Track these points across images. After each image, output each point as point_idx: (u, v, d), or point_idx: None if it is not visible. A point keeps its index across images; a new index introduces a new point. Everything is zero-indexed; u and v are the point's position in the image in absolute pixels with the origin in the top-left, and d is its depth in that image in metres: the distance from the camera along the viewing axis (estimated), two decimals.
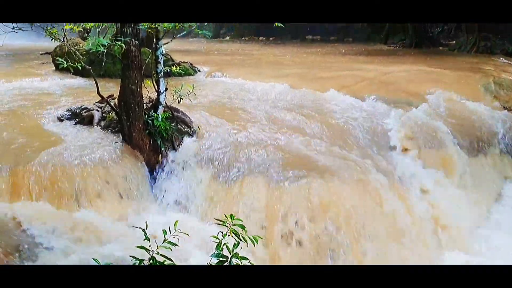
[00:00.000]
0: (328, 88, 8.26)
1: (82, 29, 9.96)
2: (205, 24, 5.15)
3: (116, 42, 4.54)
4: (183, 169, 5.24)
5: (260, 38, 31.33)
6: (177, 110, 5.83)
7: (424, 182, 5.76)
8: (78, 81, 9.20)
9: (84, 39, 11.33)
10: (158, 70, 5.32)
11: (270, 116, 6.56)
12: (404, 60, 15.26)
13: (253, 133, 5.82)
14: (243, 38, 32.11)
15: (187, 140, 5.60)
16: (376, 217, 4.92)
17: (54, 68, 10.92)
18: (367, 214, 4.87)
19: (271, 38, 30.29)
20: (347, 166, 5.27)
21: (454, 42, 20.09)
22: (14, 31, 4.02)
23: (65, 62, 4.07)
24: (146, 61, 5.64)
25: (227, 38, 32.73)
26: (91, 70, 5.00)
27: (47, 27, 4.24)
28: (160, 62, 5.31)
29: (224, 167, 5.17)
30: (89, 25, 5.73)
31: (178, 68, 8.10)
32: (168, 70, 7.54)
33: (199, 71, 11.56)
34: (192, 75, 11.15)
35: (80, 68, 4.34)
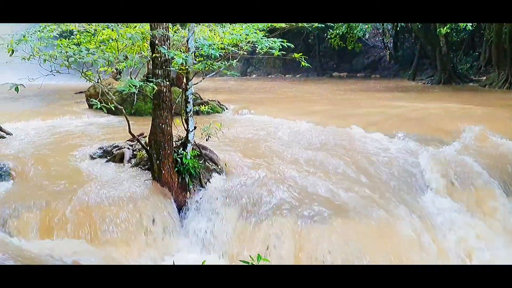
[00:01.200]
0: (355, 125, 8.23)
1: (115, 69, 10.37)
2: (234, 64, 5.26)
3: (148, 83, 4.67)
4: (210, 206, 5.23)
5: (287, 75, 31.81)
6: (205, 148, 5.89)
7: (458, 224, 5.48)
8: (110, 119, 9.48)
9: (116, 79, 11.75)
10: (188, 109, 5.42)
11: (296, 154, 6.52)
12: (433, 96, 15.13)
13: (280, 171, 5.79)
14: (270, 76, 32.64)
15: (214, 177, 5.61)
16: (405, 261, 4.70)
17: (88, 106, 11.33)
18: (395, 257, 4.66)
19: (297, 76, 30.69)
20: (374, 206, 5.13)
21: (484, 78, 19.78)
22: (52, 74, 4.21)
23: (98, 103, 4.21)
24: (176, 101, 5.77)
25: (254, 76, 33.35)
26: (123, 109, 5.14)
27: (82, 70, 4.42)
28: (189, 102, 5.42)
29: (251, 205, 5.12)
30: (121, 65, 5.94)
31: (206, 107, 8.25)
32: (197, 109, 7.70)
33: (227, 108, 11.77)
34: (219, 113, 11.35)
35: (112, 108, 4.47)
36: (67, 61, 4.15)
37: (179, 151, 5.42)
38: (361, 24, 17.90)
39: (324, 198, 5.22)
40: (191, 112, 5.51)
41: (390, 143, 7.09)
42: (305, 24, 5.26)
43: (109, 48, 4.94)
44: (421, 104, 11.62)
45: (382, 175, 6.07)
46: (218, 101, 11.88)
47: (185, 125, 5.47)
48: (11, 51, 4.35)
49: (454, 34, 21.26)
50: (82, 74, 4.45)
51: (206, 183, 5.49)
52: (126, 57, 5.34)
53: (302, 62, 4.93)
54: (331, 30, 21.06)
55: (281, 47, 4.70)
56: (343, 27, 19.27)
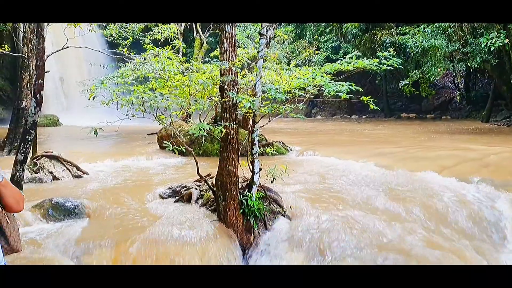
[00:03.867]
0: (427, 169, 7.86)
1: (185, 112, 10.84)
2: (300, 108, 5.30)
3: (217, 126, 4.81)
4: (274, 251, 5.15)
5: (353, 116, 31.46)
6: (270, 190, 5.89)
7: None
8: (180, 159, 9.82)
9: (186, 121, 12.27)
10: (253, 152, 5.49)
11: (364, 197, 6.32)
12: (510, 139, 14.19)
13: (347, 215, 5.61)
14: (335, 117, 32.46)
15: (279, 220, 5.55)
16: None
17: (159, 147, 11.86)
18: None
19: (363, 117, 30.26)
20: (450, 256, 4.78)
21: None
22: (128, 118, 4.47)
23: (170, 145, 4.39)
24: (243, 143, 5.87)
25: (319, 116, 33.33)
26: (192, 151, 5.32)
27: (156, 114, 4.66)
28: (255, 144, 5.49)
29: (317, 250, 4.98)
30: (191, 108, 6.20)
31: (271, 149, 8.31)
32: (262, 151, 7.78)
33: (291, 150, 11.78)
34: (284, 154, 11.39)
35: (183, 150, 4.63)
36: (143, 105, 4.40)
37: (245, 193, 5.45)
38: (433, 68, 17.39)
39: (393, 245, 4.96)
40: (257, 154, 5.57)
41: (465, 189, 6.67)
42: (372, 66, 5.20)
43: (181, 94, 5.18)
44: (497, 147, 10.92)
45: (457, 223, 5.69)
46: (282, 142, 11.95)
47: (251, 167, 5.52)
48: (92, 97, 4.70)
49: None
50: (156, 117, 4.69)
51: (271, 226, 5.45)
52: (196, 101, 5.57)
53: (371, 105, 4.85)
54: (404, 79, 20.55)
55: (348, 90, 4.67)
56: (417, 73, 18.78)
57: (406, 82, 19.37)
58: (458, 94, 26.81)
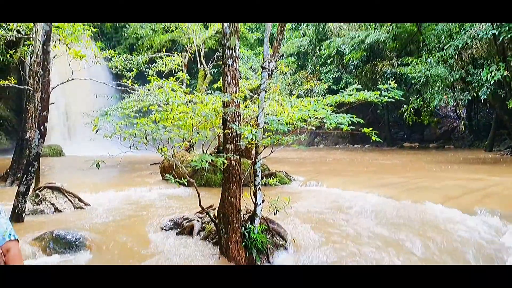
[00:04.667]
0: (431, 200, 7.78)
1: (187, 142, 10.89)
2: (302, 139, 5.31)
3: (219, 158, 4.81)
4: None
5: (355, 145, 31.48)
6: (273, 222, 5.82)
7: None
8: (182, 190, 9.77)
9: (188, 151, 12.28)
10: (256, 183, 5.46)
11: (368, 230, 6.23)
12: None
13: (350, 248, 5.52)
14: (337, 146, 32.50)
15: (282, 253, 5.47)
16: None
17: (161, 177, 11.84)
18: None
19: (366, 146, 30.27)
20: None
21: None
22: (131, 151, 4.49)
23: (172, 178, 4.39)
24: (246, 174, 5.85)
25: (321, 145, 33.38)
26: (194, 183, 5.30)
27: (158, 146, 4.67)
28: (258, 175, 5.47)
29: None
30: (194, 139, 6.23)
31: (274, 180, 8.28)
32: (265, 182, 7.75)
33: (294, 179, 11.73)
34: (287, 184, 11.33)
35: (185, 183, 4.62)
36: (145, 138, 4.42)
37: (247, 225, 5.39)
38: (436, 96, 17.53)
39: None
40: (259, 185, 5.54)
41: (470, 220, 6.57)
42: (373, 98, 5.24)
43: (184, 126, 5.21)
44: (502, 177, 10.84)
45: (463, 256, 5.57)
46: (285, 172, 11.92)
47: (253, 199, 5.48)
48: (96, 130, 4.73)
49: None
50: (158, 150, 4.70)
51: (273, 260, 5.36)
52: (198, 132, 5.59)
53: (373, 137, 4.85)
54: (405, 106, 20.70)
55: (350, 122, 4.68)
56: (417, 100, 18.93)
57: (406, 108, 19.50)
58: (462, 123, 26.94)
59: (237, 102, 5.21)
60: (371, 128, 4.92)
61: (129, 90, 10.32)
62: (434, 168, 14.41)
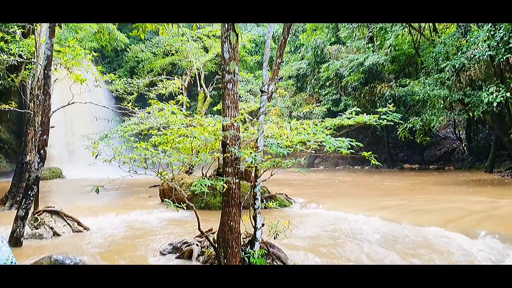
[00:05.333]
0: (432, 223, 7.74)
1: (187, 165, 10.88)
2: (301, 162, 5.32)
3: (218, 181, 4.80)
4: None
5: (355, 166, 31.45)
6: (273, 246, 5.76)
7: None
8: (181, 213, 9.69)
9: (188, 174, 12.26)
10: (256, 206, 5.44)
11: (370, 253, 6.18)
12: None
13: None
14: (337, 167, 32.45)
15: None
16: None
17: (160, 200, 11.79)
18: None
19: (366, 167, 30.23)
20: None
21: None
22: (130, 175, 4.49)
23: (171, 203, 4.38)
24: (245, 197, 5.84)
25: (321, 167, 33.33)
26: (193, 207, 5.28)
27: (158, 170, 4.68)
28: (257, 199, 5.45)
29: None
30: (194, 161, 6.24)
31: (274, 203, 8.26)
32: (265, 205, 7.72)
33: (295, 202, 11.67)
34: (287, 206, 11.27)
35: (184, 208, 4.60)
36: (145, 162, 4.43)
37: (247, 250, 5.34)
38: (434, 116, 17.58)
39: None
40: (259, 209, 5.51)
41: (472, 244, 6.52)
42: (372, 121, 5.26)
43: (184, 149, 5.22)
44: (503, 199, 10.79)
45: None
46: (285, 194, 11.87)
47: (253, 222, 5.45)
48: (95, 154, 4.74)
49: None
50: (158, 174, 4.70)
51: None
52: (197, 156, 5.60)
53: (372, 161, 4.86)
54: (402, 123, 20.75)
55: (349, 146, 4.70)
56: (417, 120, 18.97)
57: (404, 127, 19.50)
58: (463, 145, 26.92)
59: (237, 125, 5.24)
60: (371, 152, 4.93)
61: (129, 113, 10.38)
62: (435, 190, 14.36)
